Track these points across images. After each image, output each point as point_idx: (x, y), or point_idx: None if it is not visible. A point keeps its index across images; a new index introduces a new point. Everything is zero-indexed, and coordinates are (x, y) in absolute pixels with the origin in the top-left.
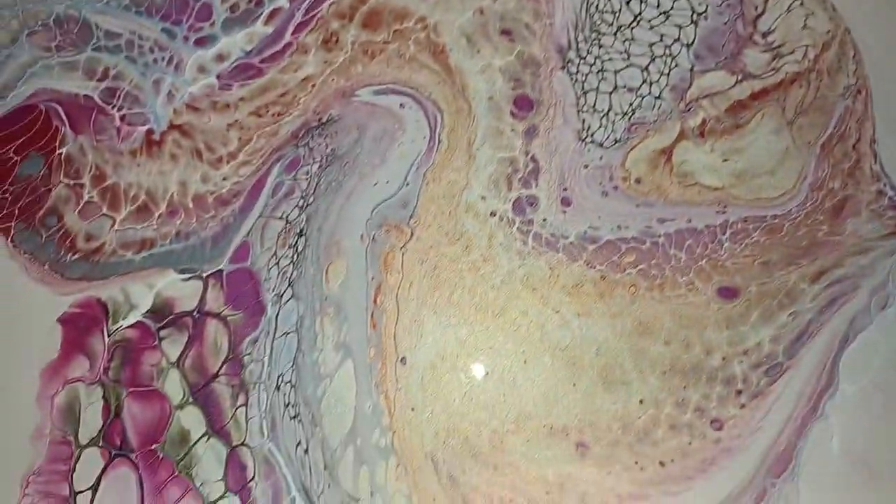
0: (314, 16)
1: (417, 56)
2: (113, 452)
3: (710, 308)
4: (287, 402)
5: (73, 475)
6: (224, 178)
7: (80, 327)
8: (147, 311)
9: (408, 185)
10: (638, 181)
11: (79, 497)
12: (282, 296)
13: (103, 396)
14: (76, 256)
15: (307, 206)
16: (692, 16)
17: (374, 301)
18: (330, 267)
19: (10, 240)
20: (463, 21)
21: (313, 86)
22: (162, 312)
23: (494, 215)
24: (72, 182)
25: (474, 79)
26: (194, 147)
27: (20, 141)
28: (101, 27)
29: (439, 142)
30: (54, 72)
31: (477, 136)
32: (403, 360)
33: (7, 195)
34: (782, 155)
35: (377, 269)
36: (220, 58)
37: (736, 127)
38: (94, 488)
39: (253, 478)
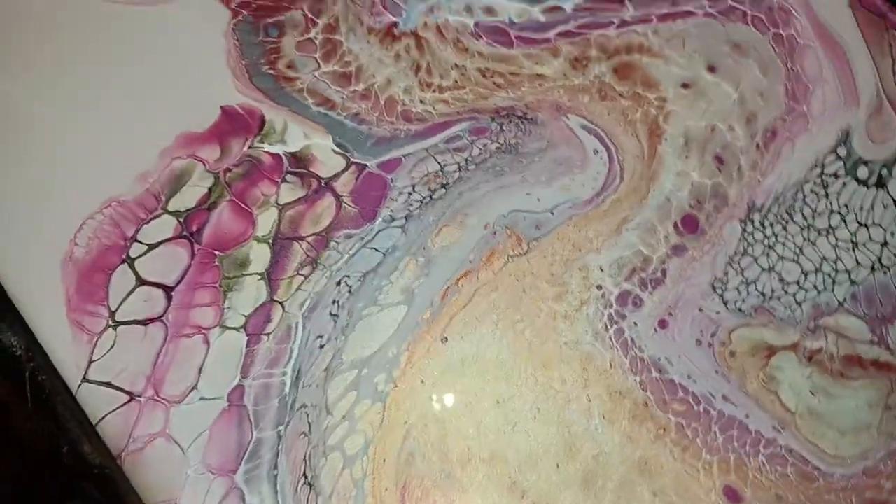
0: (583, 34)
1: (637, 123)
2: (184, 232)
3: (710, 497)
4: (335, 300)
5: (145, 226)
6: (421, 102)
7: (233, 124)
8: (290, 152)
9: (552, 214)
10: (732, 354)
11: (134, 245)
12: (394, 220)
13: (210, 188)
14: (271, 72)
15: (465, 169)
16: (875, 262)
17: (458, 280)
18: (445, 228)
19: (233, 23)
20: (694, 125)
21: (541, 84)
22: (300, 161)
23: (600, 289)
24: (309, 15)
25: (667, 174)
26: (418, 61)
27: None
28: None
29: (602, 201)
30: None
31: (634, 220)
32: (445, 339)
33: None
34: (862, 427)
35: (479, 257)
36: (489, 10)
37: (841, 375)
38: (152, 247)
39: (269, 333)
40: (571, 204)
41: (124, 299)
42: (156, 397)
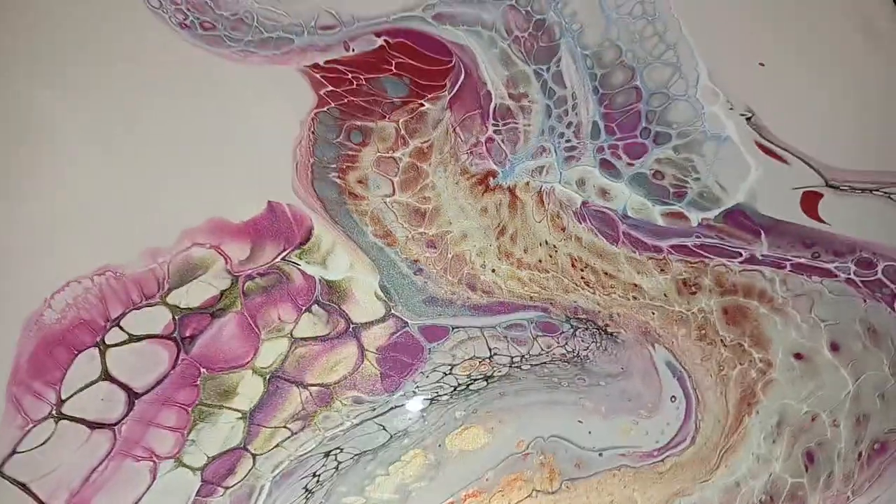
0: (701, 257)
1: (730, 381)
2: (175, 333)
3: None
4: (317, 473)
5: (134, 311)
6: (493, 271)
7: (275, 226)
8: (327, 279)
9: (599, 456)
10: None
11: (114, 330)
12: (416, 398)
13: (223, 291)
14: (338, 181)
15: (517, 367)
16: None
17: (465, 498)
18: (471, 429)
19: (315, 112)
20: (793, 407)
21: (635, 298)
22: (334, 294)
23: None
24: (403, 132)
25: (746, 454)
26: (505, 224)
27: (415, 66)
28: (592, 65)
29: (661, 460)
30: (499, 56)
31: (690, 497)
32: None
33: (349, 93)
34: None
35: (498, 479)
36: (604, 193)
37: None
38: (133, 339)
39: (227, 487)
40: (626, 451)
41: (80, 390)
42: None
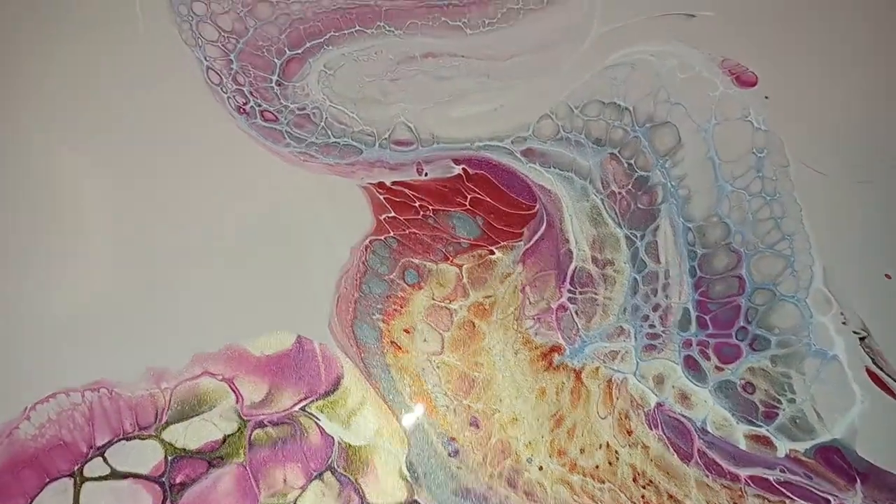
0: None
1: None
2: (164, 477)
3: None
4: None
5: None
6: (540, 469)
7: (300, 366)
8: (347, 443)
9: None
10: None
11: (96, 460)
12: None
13: (227, 436)
14: (381, 325)
15: None
16: None
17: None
18: None
19: (371, 239)
20: None
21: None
22: (353, 461)
23: None
24: (465, 280)
25: None
26: (561, 413)
27: (492, 205)
28: (693, 241)
29: None
30: (589, 211)
31: None
32: None
33: (413, 224)
34: None
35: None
36: (684, 398)
37: None
38: (115, 475)
39: None
40: None
41: None
42: None
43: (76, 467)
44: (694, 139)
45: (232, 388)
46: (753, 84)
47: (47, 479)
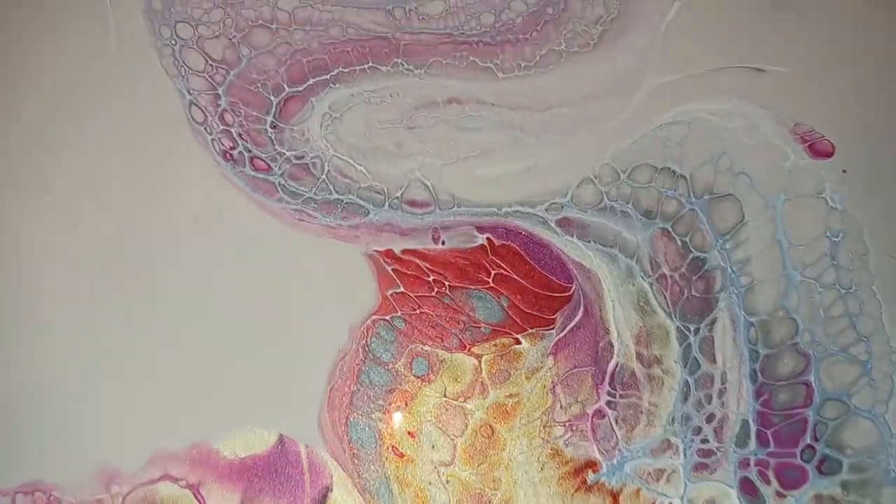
0: None
1: None
2: None
3: None
4: None
5: None
6: None
7: (281, 472)
8: None
9: None
10: None
11: None
12: None
13: None
14: (381, 424)
15: None
16: None
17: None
18: None
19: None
20: None
21: None
22: None
23: None
24: (472, 378)
25: None
26: None
27: (520, 284)
28: (755, 339)
29: None
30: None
31: None
32: None
33: (425, 302)
34: None
35: None
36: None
37: None
38: None
39: None
40: None
41: None
42: None
43: None
44: (760, 217)
45: (197, 498)
46: (830, 155)
47: None
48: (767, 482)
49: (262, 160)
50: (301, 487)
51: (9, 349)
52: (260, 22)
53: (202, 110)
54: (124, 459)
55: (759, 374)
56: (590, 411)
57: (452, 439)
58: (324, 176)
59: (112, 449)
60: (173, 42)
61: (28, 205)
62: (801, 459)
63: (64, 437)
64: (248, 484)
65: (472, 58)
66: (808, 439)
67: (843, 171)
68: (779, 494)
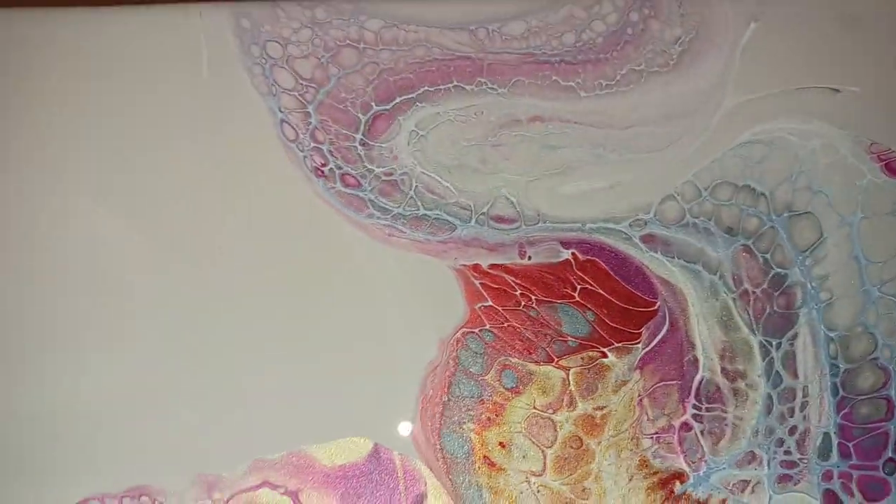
0: None
1: None
2: None
3: None
4: None
5: None
6: None
7: (373, 483)
8: None
9: None
10: None
11: None
12: None
13: None
14: (470, 440)
15: None
16: None
17: None
18: None
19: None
20: None
21: None
22: None
23: None
24: (573, 388)
25: None
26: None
27: (606, 298)
28: (836, 354)
29: None
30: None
31: None
32: None
33: (513, 315)
34: None
35: None
36: None
37: None
38: None
39: None
40: None
41: None
42: None
43: None
44: (837, 234)
45: None
46: None
47: None
48: (851, 494)
49: (353, 176)
50: (396, 494)
51: (111, 354)
52: (347, 41)
53: (293, 128)
54: (224, 467)
55: (839, 388)
56: (676, 424)
57: (542, 450)
58: (412, 192)
59: (212, 457)
60: (263, 61)
61: (123, 224)
62: (884, 472)
63: (166, 444)
64: (345, 491)
65: (554, 77)
66: (889, 452)
67: None
68: None
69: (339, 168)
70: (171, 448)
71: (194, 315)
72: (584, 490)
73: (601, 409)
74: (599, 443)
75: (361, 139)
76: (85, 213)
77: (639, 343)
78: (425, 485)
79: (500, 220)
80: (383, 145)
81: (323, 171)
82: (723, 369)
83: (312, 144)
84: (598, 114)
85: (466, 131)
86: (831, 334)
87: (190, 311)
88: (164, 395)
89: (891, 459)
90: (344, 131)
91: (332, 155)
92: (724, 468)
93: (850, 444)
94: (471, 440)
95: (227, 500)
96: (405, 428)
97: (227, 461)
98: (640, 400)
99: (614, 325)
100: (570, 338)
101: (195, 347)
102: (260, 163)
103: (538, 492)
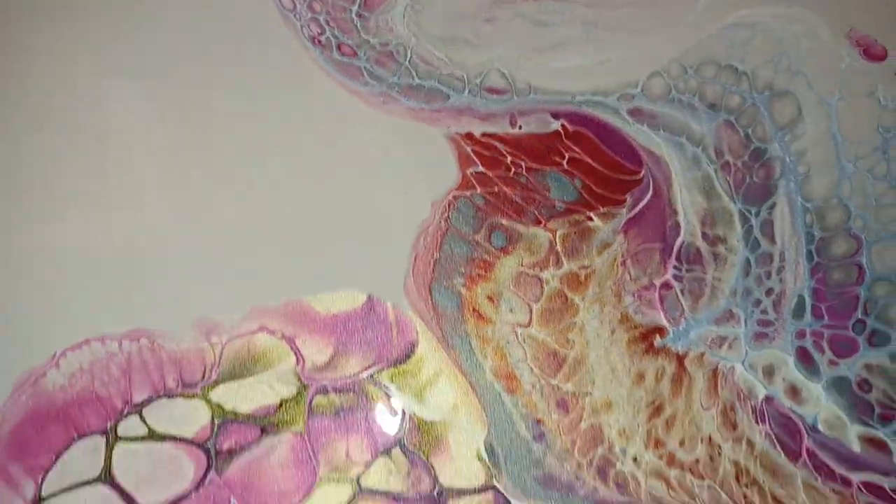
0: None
1: None
2: (210, 443)
3: None
4: None
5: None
6: (634, 461)
7: (368, 328)
8: (418, 416)
9: None
10: None
11: (131, 418)
12: None
13: (284, 400)
14: (462, 290)
15: None
16: None
17: None
18: None
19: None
20: None
21: None
22: (423, 439)
23: None
24: (559, 248)
25: None
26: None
27: (592, 167)
28: (812, 223)
29: None
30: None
31: None
32: None
33: (504, 181)
34: None
35: None
36: (794, 392)
37: None
38: (154, 436)
39: None
40: None
41: (69, 489)
42: None
43: (109, 424)
44: (816, 113)
45: (292, 348)
46: (882, 58)
47: (76, 436)
48: (822, 351)
49: (349, 46)
50: (389, 342)
51: (116, 203)
52: None
53: None
54: (222, 312)
55: (814, 255)
56: (657, 283)
57: (529, 304)
58: (407, 63)
59: (210, 302)
60: None
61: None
62: (853, 332)
63: (166, 289)
64: (339, 337)
65: None
66: (859, 314)
67: (895, 73)
68: (832, 363)
69: (336, 38)
70: (171, 294)
71: (197, 168)
72: (567, 341)
73: (586, 268)
74: (583, 299)
75: (357, 11)
76: (91, 75)
77: (623, 208)
78: (417, 333)
79: (492, 91)
80: (380, 17)
81: (320, 40)
82: (703, 234)
83: (309, 15)
84: None
85: (461, 6)
86: (807, 205)
87: (192, 165)
88: (165, 243)
89: (860, 320)
90: (340, 3)
91: (329, 25)
92: (702, 325)
93: (823, 306)
94: (461, 294)
95: (225, 344)
96: (398, 281)
97: (226, 307)
98: (624, 261)
99: (600, 192)
100: (557, 202)
101: (198, 199)
102: (258, 31)
103: (524, 342)
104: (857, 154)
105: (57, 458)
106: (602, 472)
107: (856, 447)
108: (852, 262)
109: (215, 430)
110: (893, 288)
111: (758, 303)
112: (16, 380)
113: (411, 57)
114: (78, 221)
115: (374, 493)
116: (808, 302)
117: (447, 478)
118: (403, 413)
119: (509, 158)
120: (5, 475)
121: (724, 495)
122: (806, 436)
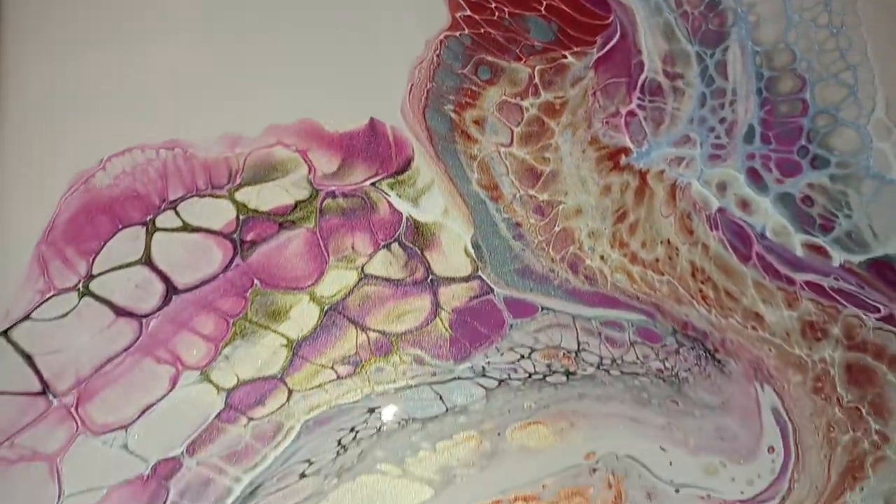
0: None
1: (838, 447)
2: (236, 234)
3: None
4: (355, 427)
5: (196, 198)
6: (602, 258)
7: (372, 146)
8: (415, 219)
9: (675, 492)
10: None
11: (167, 213)
12: (484, 376)
13: (299, 201)
14: (453, 115)
15: (605, 370)
16: None
17: (516, 500)
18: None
19: (445, 34)
20: None
21: (754, 328)
22: (419, 236)
23: None
24: (536, 80)
25: None
26: (626, 210)
27: (567, 12)
28: (761, 63)
29: None
30: (662, 27)
31: None
32: None
33: (488, 23)
34: None
35: (556, 488)
36: (744, 205)
37: None
38: (187, 228)
39: (252, 418)
40: (706, 494)
41: (115, 269)
42: (72, 410)
43: (149, 217)
44: None
45: (305, 160)
46: None
47: (120, 226)
48: (769, 171)
49: None
50: (389, 157)
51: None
52: None
53: None
54: (244, 128)
55: (763, 90)
56: (623, 111)
57: (511, 128)
58: None
59: (234, 120)
60: None
61: None
62: (797, 156)
63: (197, 108)
64: (346, 152)
65: None
66: (802, 141)
67: None
68: (778, 181)
69: None
70: (200, 111)
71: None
72: (544, 159)
73: (560, 98)
74: (558, 123)
75: None
76: None
77: (594, 48)
78: (412, 150)
79: None
80: None
81: None
82: (664, 71)
83: None
84: None
85: None
86: (757, 48)
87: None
88: (198, 70)
89: (803, 147)
90: None
91: None
92: (663, 147)
93: (770, 133)
94: (451, 118)
95: (247, 154)
96: (396, 106)
97: (247, 125)
98: (594, 92)
99: (574, 34)
100: (536, 42)
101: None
102: None
103: (506, 158)
104: (803, 6)
105: (104, 243)
106: (573, 266)
107: (799, 252)
108: (797, 97)
109: (240, 224)
110: (833, 120)
111: (712, 129)
112: (70, 180)
113: None
114: (125, 52)
115: (376, 278)
116: (758, 129)
117: (439, 269)
118: (401, 215)
119: (493, 3)
120: (62, 257)
121: (681, 289)
122: (755, 242)
